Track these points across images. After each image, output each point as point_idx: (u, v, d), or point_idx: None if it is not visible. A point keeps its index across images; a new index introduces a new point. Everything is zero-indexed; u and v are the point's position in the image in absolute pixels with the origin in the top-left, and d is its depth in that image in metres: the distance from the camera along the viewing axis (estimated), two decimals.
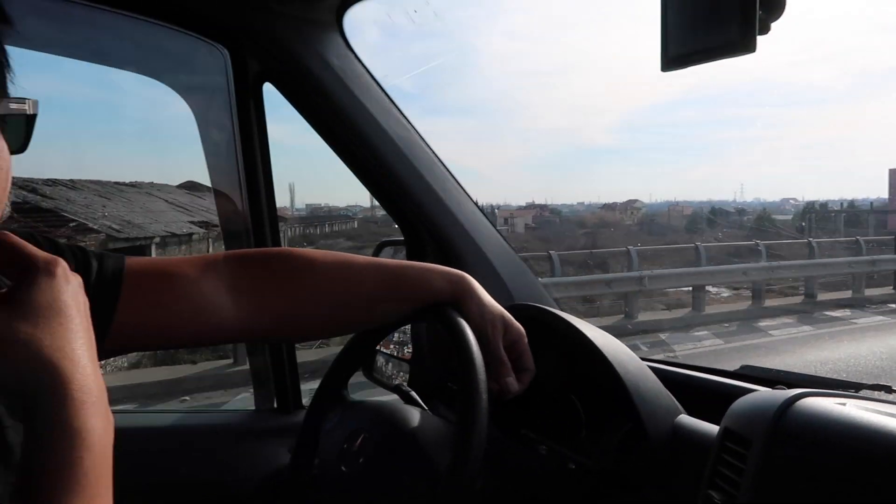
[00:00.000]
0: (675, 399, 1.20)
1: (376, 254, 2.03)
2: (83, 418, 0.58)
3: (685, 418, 1.16)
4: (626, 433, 1.24)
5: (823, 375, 1.40)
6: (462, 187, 1.71)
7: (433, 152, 1.65)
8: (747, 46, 0.88)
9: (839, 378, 1.37)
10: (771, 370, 1.44)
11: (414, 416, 1.15)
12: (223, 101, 1.47)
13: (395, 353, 1.90)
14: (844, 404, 0.90)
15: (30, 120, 0.72)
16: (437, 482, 0.97)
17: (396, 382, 1.87)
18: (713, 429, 1.05)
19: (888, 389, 1.21)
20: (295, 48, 1.42)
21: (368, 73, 1.51)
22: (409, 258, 1.77)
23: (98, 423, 0.60)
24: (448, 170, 1.69)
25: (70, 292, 0.64)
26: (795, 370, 1.39)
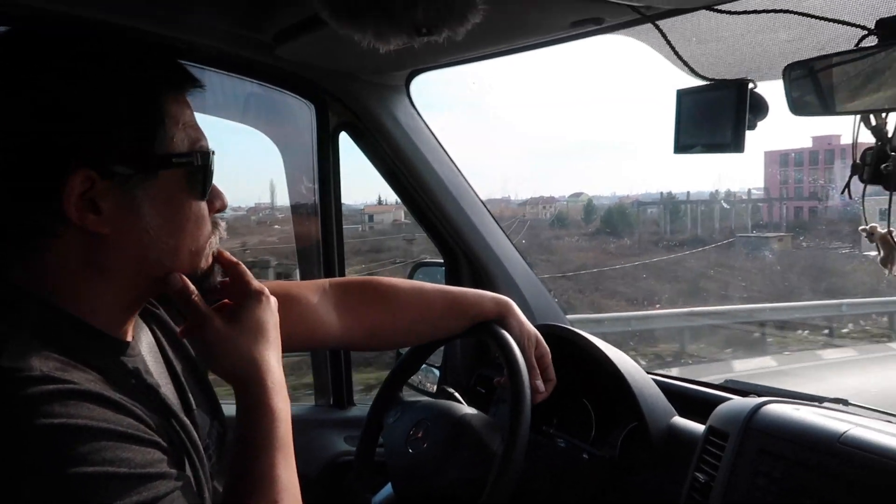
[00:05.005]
0: (670, 404, 1.52)
1: (412, 273, 2.34)
2: (274, 400, 0.89)
3: (679, 419, 1.47)
4: (631, 430, 1.55)
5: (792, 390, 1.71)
6: (496, 220, 2.03)
7: (474, 192, 1.97)
8: (738, 146, 1.20)
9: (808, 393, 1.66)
10: (750, 384, 1.76)
11: (465, 409, 1.46)
12: (307, 145, 1.80)
13: (428, 363, 2.20)
14: (798, 409, 1.23)
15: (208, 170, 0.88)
16: (492, 459, 1.28)
17: (430, 388, 2.19)
18: (700, 427, 1.37)
19: (845, 402, 1.54)
20: (369, 106, 1.74)
21: (427, 127, 1.83)
22: (447, 280, 2.08)
23: (283, 404, 0.91)
24: (485, 206, 2.01)
25: (270, 313, 0.96)
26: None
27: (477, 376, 2.05)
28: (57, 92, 0.75)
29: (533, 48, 1.50)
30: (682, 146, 1.32)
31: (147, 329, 1.00)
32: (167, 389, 0.94)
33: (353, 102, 1.75)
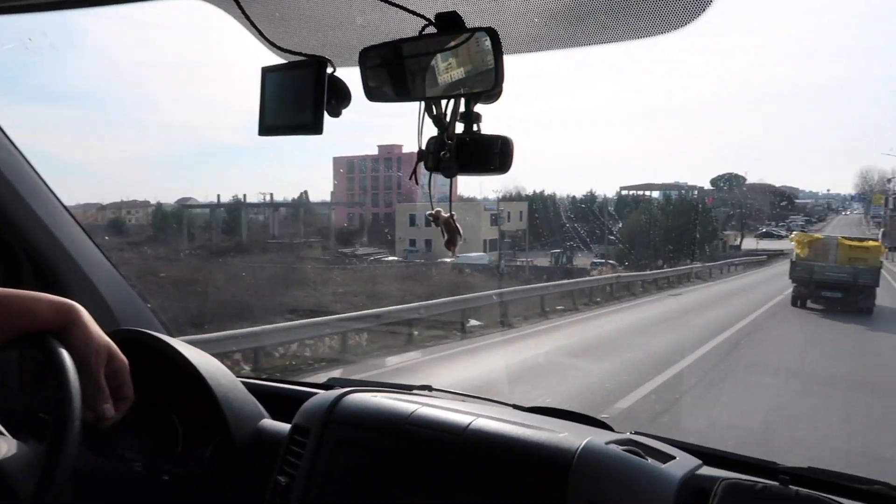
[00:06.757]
0: (260, 406, 1.42)
1: None
2: None
3: (267, 422, 1.38)
4: (219, 441, 1.41)
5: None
6: (71, 213, 1.72)
7: (40, 177, 1.63)
8: (317, 128, 1.15)
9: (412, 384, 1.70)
10: (352, 380, 1.77)
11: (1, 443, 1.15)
12: None
13: None
14: (375, 396, 1.23)
15: None
16: None
17: None
18: (287, 427, 1.30)
19: (430, 388, 1.62)
20: None
21: None
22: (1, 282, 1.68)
23: None
24: (56, 195, 1.68)
25: None
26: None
27: (40, 399, 1.69)
28: None
29: (111, 2, 1.28)
30: (266, 127, 1.24)
31: None
32: None
33: None
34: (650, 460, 1.08)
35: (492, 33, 0.96)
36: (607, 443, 1.10)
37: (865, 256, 16.55)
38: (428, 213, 1.18)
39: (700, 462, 1.16)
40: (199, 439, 1.47)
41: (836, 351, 11.47)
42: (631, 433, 1.30)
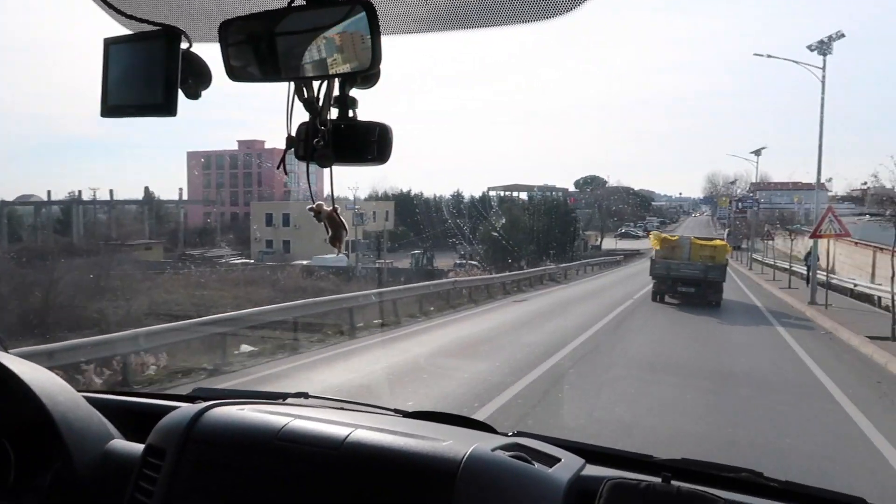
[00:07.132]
0: (109, 425, 1.25)
1: None
2: None
3: (117, 443, 1.22)
4: (59, 468, 1.23)
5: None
6: None
7: None
8: (170, 109, 1.02)
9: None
10: (222, 390, 1.61)
11: None
12: None
13: None
14: (242, 409, 1.11)
15: None
16: None
17: None
18: (140, 447, 1.14)
19: (306, 395, 1.51)
20: None
21: None
22: None
23: None
24: None
25: None
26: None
27: None
28: None
29: None
30: (110, 108, 1.09)
31: None
32: None
33: None
34: (536, 465, 1.04)
35: (368, 8, 0.88)
36: (493, 449, 1.05)
37: (714, 255, 18.02)
38: (309, 207, 1.08)
39: (584, 461, 1.14)
40: (36, 467, 1.28)
41: (691, 342, 12.12)
42: (513, 434, 1.26)
